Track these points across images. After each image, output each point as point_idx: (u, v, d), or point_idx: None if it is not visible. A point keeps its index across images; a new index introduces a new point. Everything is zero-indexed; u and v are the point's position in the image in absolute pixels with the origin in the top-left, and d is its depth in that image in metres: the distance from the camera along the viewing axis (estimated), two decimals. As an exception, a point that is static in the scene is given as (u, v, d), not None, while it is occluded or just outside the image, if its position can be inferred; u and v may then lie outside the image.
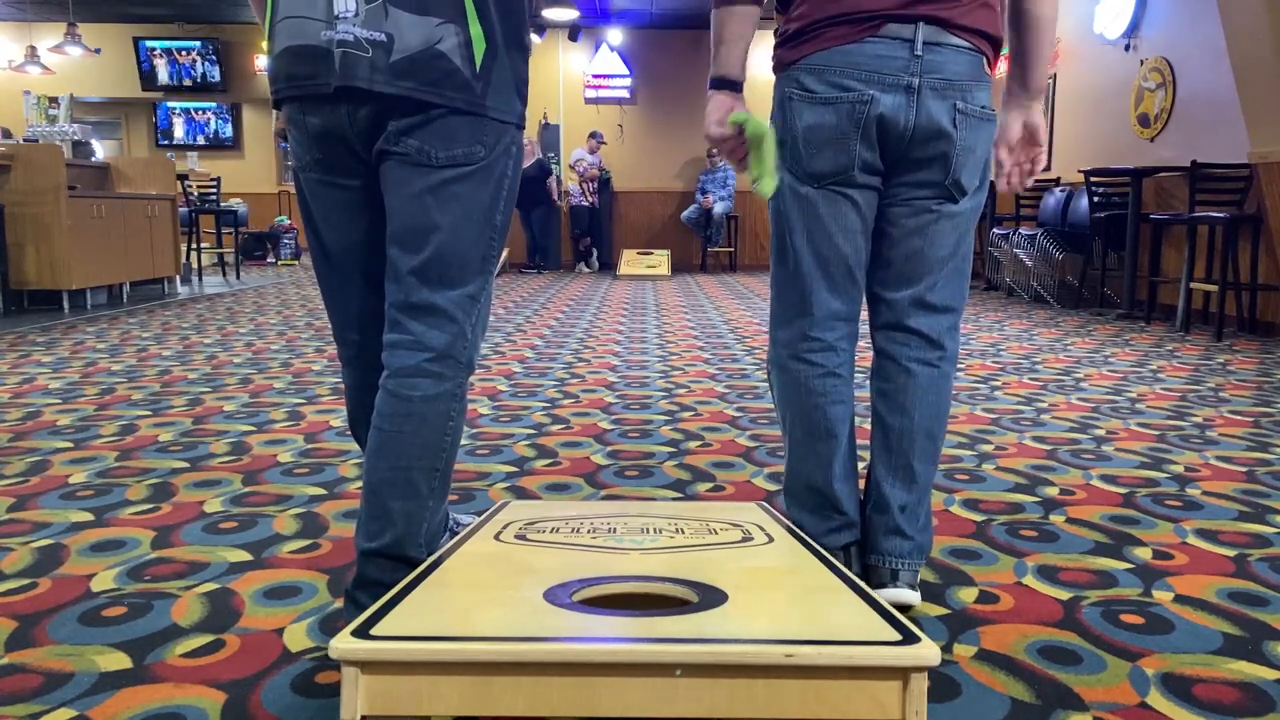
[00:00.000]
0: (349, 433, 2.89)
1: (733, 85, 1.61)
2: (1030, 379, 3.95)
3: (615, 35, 11.79)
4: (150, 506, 2.19)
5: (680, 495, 2.31)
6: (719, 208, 11.02)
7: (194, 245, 8.79)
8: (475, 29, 1.35)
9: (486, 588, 1.33)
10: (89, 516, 2.11)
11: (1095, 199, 6.54)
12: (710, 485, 2.40)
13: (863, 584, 1.33)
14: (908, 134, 1.51)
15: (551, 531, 1.57)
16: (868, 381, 1.71)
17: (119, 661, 1.43)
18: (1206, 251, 5.74)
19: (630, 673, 1.07)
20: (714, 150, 8.80)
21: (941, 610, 1.64)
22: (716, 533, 1.58)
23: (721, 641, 1.10)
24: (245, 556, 1.87)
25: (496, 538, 1.55)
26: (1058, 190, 7.45)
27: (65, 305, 6.24)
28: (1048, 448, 2.78)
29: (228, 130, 13.03)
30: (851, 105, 1.50)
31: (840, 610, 1.23)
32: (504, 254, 1.46)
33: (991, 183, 1.64)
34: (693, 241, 11.74)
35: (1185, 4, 6.25)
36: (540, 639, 1.11)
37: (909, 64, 1.48)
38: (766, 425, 3.06)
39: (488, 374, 4.00)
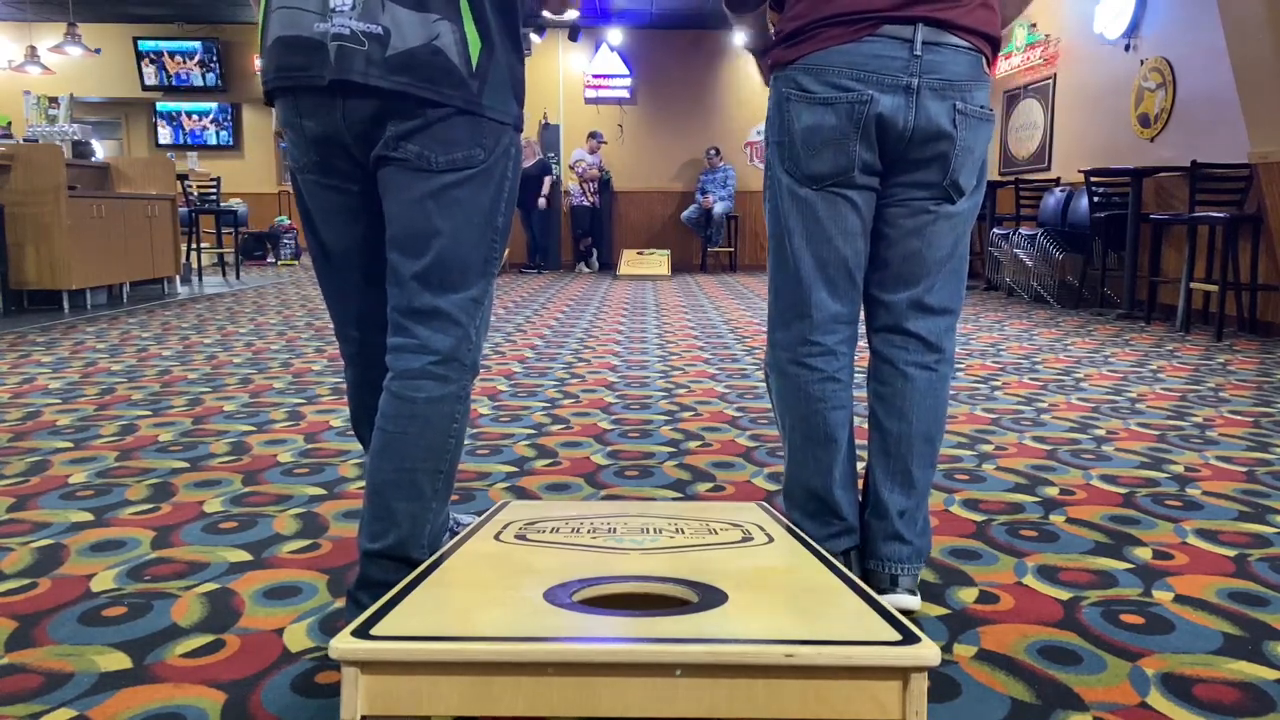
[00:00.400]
0: (349, 432, 2.91)
1: (764, 52, 1.72)
2: (1030, 379, 3.95)
3: (615, 35, 11.78)
4: (150, 506, 2.19)
5: (680, 495, 2.31)
6: (719, 208, 11.02)
7: (194, 245, 8.79)
8: (470, 28, 1.34)
9: (486, 588, 1.33)
10: (89, 516, 2.11)
11: (1095, 199, 6.54)
12: (710, 485, 2.40)
13: (862, 584, 1.33)
14: (907, 134, 1.50)
15: (551, 531, 1.57)
16: (865, 381, 1.70)
17: (119, 661, 1.43)
18: (1206, 251, 5.74)
19: (630, 673, 1.07)
20: (714, 150, 8.83)
21: (941, 610, 1.64)
22: (716, 533, 1.58)
23: (721, 641, 1.10)
24: (245, 556, 1.87)
25: (496, 538, 1.55)
26: (1058, 190, 7.44)
27: (65, 305, 6.24)
28: (1048, 448, 2.78)
29: (227, 130, 13.03)
30: (850, 105, 1.49)
31: (840, 610, 1.23)
32: (504, 254, 1.48)
33: (990, 182, 1.64)
34: (693, 241, 11.74)
35: (1185, 4, 6.25)
36: (540, 639, 1.11)
37: (908, 64, 1.47)
38: (766, 425, 3.06)
39: (488, 374, 4.00)
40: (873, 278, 1.64)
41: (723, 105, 11.96)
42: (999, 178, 8.70)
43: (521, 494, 2.32)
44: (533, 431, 2.96)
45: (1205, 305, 5.89)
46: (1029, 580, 1.78)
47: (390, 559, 1.41)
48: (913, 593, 1.61)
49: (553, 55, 11.79)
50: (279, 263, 11.36)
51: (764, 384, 1.78)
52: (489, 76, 1.37)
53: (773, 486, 2.38)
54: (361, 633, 1.10)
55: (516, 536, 1.55)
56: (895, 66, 1.47)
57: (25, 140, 7.48)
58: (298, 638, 1.52)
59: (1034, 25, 8.49)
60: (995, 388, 3.74)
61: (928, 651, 1.06)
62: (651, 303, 7.33)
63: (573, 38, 11.62)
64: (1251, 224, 5.34)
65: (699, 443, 2.84)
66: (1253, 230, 5.36)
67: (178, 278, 7.83)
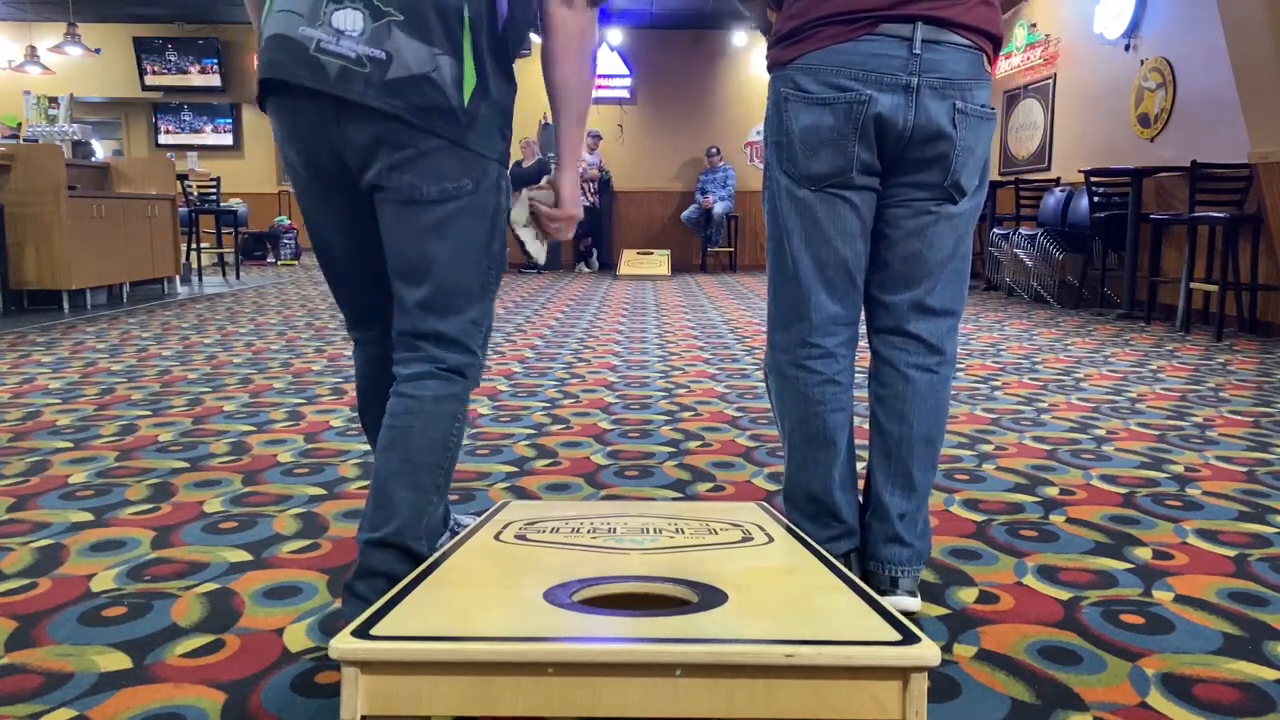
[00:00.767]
0: (349, 432, 2.91)
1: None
2: (1030, 379, 3.95)
3: (615, 35, 11.79)
4: (150, 506, 2.19)
5: (680, 495, 2.31)
6: (719, 208, 11.03)
7: (194, 245, 8.79)
8: (469, 66, 1.38)
9: (486, 588, 1.33)
10: (89, 516, 2.11)
11: (1095, 199, 6.54)
12: (710, 485, 2.40)
13: (862, 584, 1.33)
14: (906, 134, 1.49)
15: (551, 531, 1.57)
16: (866, 380, 1.70)
17: (119, 661, 1.43)
18: (1206, 251, 5.74)
19: (630, 673, 1.07)
20: (714, 150, 8.82)
21: (941, 610, 1.64)
22: (716, 533, 1.58)
23: (721, 641, 1.10)
24: (245, 556, 1.87)
25: (496, 538, 1.55)
26: (1058, 190, 7.45)
27: (65, 305, 6.24)
28: (1048, 448, 2.78)
29: (227, 130, 13.03)
30: (849, 105, 1.48)
31: (840, 610, 1.23)
32: (500, 279, 1.55)
33: (990, 182, 1.64)
34: (693, 241, 11.74)
35: (1185, 4, 6.25)
36: (540, 639, 1.11)
37: (907, 63, 1.46)
38: (766, 425, 3.06)
39: (488, 374, 4.00)
40: (873, 279, 1.63)
41: (723, 105, 11.96)
42: (999, 178, 8.71)
43: (521, 494, 2.32)
44: (533, 431, 2.96)
45: (1205, 305, 5.90)
46: (1029, 580, 1.78)
47: (390, 547, 1.43)
48: (913, 594, 1.61)
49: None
50: (279, 263, 11.36)
51: (764, 384, 1.78)
52: (479, 114, 1.41)
53: (773, 486, 2.38)
54: (361, 633, 1.10)
55: (516, 536, 1.55)
56: (894, 65, 1.46)
57: (25, 140, 7.48)
58: (298, 638, 1.52)
59: (1034, 25, 8.49)
60: (995, 388, 3.74)
61: (928, 651, 1.06)
62: (651, 303, 7.33)
63: (573, 38, 11.61)
64: (1251, 224, 5.34)
65: (699, 443, 2.84)
66: (1253, 230, 5.36)
67: (178, 278, 7.83)
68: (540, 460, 2.63)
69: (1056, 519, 2.14)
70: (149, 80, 12.67)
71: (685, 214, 11.33)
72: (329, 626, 1.55)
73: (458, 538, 1.56)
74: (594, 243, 11.33)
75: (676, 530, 1.58)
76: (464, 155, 1.40)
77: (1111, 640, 1.53)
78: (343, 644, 1.07)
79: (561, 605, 1.22)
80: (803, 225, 1.58)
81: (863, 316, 1.68)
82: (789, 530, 1.61)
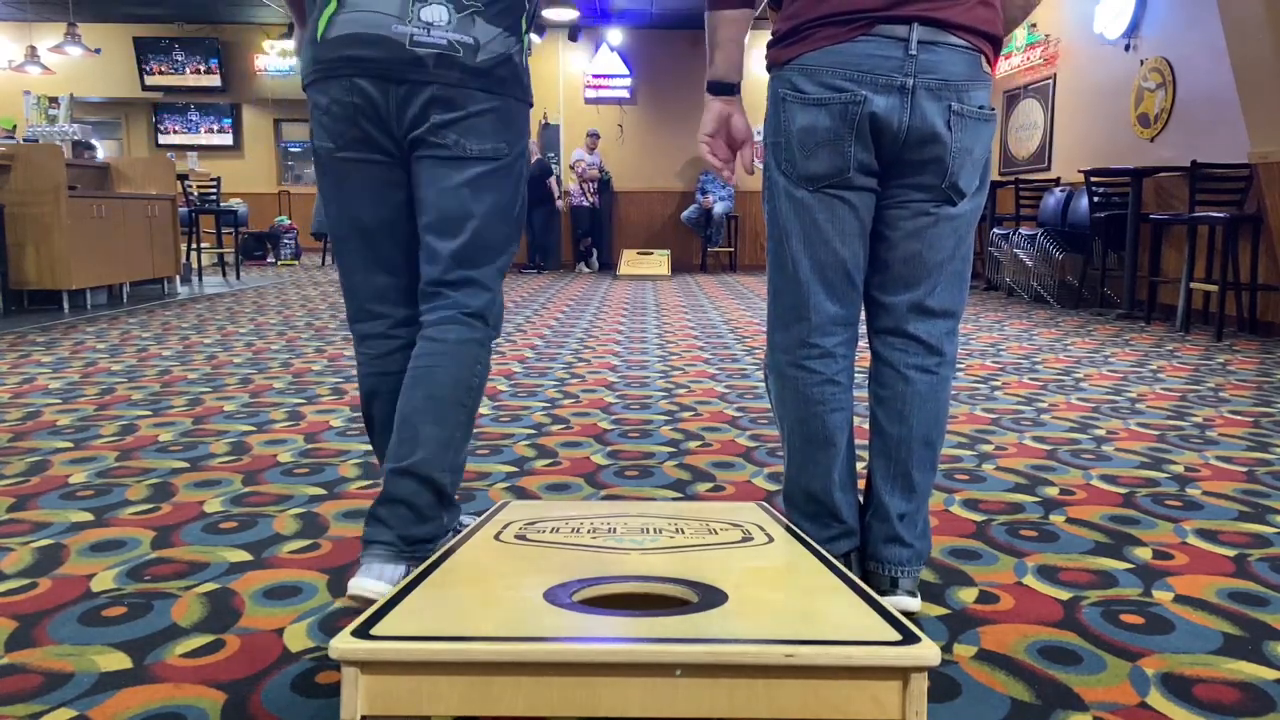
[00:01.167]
0: (349, 432, 2.91)
1: (729, 89, 1.63)
2: (1030, 379, 3.95)
3: (615, 35, 11.79)
4: (150, 506, 2.19)
5: (680, 495, 2.31)
6: (719, 208, 11.03)
7: (194, 245, 8.79)
8: (525, 39, 1.64)
9: (486, 588, 1.33)
10: (89, 516, 2.11)
11: (1095, 199, 6.54)
12: (710, 485, 2.40)
13: (862, 584, 1.33)
14: (902, 135, 1.49)
15: (551, 531, 1.57)
16: (866, 381, 1.70)
17: (119, 661, 1.43)
18: (1206, 251, 5.74)
19: (630, 673, 1.07)
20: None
21: (941, 610, 1.64)
22: (716, 533, 1.58)
23: (721, 641, 1.10)
24: (245, 556, 1.87)
25: (496, 538, 1.55)
26: (1058, 190, 7.45)
27: (65, 305, 6.24)
28: (1048, 448, 2.78)
29: (227, 130, 13.04)
30: (844, 106, 1.47)
31: (840, 610, 1.23)
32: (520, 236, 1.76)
33: (991, 182, 1.63)
34: (693, 241, 11.75)
35: (1185, 4, 6.25)
36: (540, 639, 1.11)
37: (903, 64, 1.46)
38: (766, 425, 3.06)
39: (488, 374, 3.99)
40: (873, 279, 1.63)
41: (723, 105, 11.94)
42: (999, 178, 8.71)
43: (521, 494, 2.32)
44: (533, 431, 2.96)
45: (1205, 305, 5.90)
46: (1029, 580, 1.78)
47: (414, 476, 1.51)
48: (913, 595, 1.61)
49: (553, 55, 11.79)
50: (279, 263, 11.36)
51: (764, 384, 1.77)
52: (528, 70, 1.67)
53: (773, 486, 2.38)
54: (361, 633, 1.10)
55: (516, 536, 1.55)
56: (889, 66, 1.46)
57: (25, 140, 7.48)
58: (298, 638, 1.52)
59: (1034, 25, 8.49)
60: (995, 388, 3.74)
61: (928, 651, 1.06)
62: (651, 303, 7.33)
63: (573, 38, 11.63)
64: (1251, 224, 5.34)
65: (699, 443, 2.84)
66: (1253, 230, 5.37)
67: (178, 278, 7.83)
68: (540, 460, 2.63)
69: (1056, 519, 2.14)
70: (149, 80, 12.67)
71: (685, 214, 11.33)
72: (329, 626, 1.55)
73: (458, 538, 1.56)
74: (594, 243, 11.34)
75: (676, 530, 1.58)
76: (508, 118, 1.60)
77: (1111, 640, 1.53)
78: (343, 644, 1.07)
79: (561, 605, 1.22)
80: (801, 226, 1.57)
81: (863, 317, 1.68)
82: (789, 530, 1.61)
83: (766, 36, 1.61)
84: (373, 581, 1.47)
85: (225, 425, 3.02)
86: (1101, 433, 2.98)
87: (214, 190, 9.20)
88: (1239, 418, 3.22)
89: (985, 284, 8.30)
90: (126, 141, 13.35)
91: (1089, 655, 1.47)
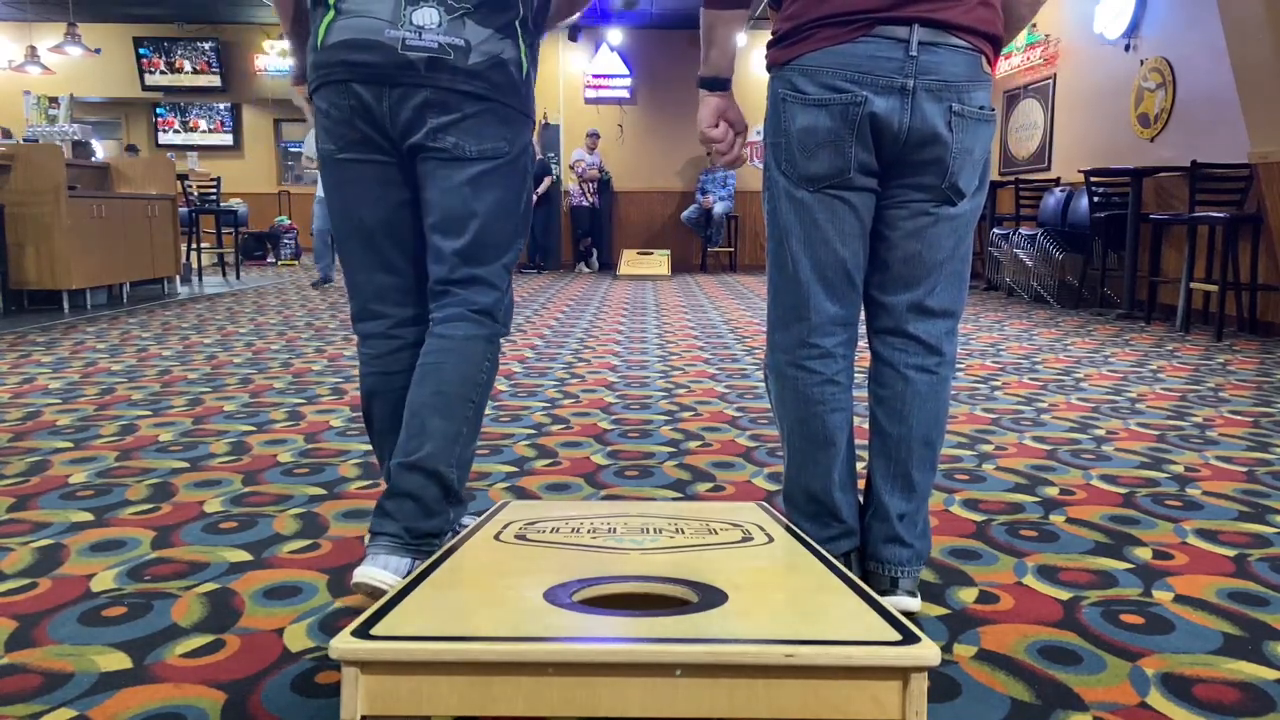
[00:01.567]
0: (349, 432, 2.91)
1: (723, 85, 1.67)
2: (1030, 379, 3.95)
3: (615, 35, 11.79)
4: (150, 506, 2.19)
5: (680, 495, 2.31)
6: (719, 208, 11.02)
7: (194, 245, 8.79)
8: (522, 46, 1.63)
9: (486, 588, 1.33)
10: (89, 516, 2.11)
11: (1095, 199, 6.54)
12: (710, 485, 2.40)
13: (862, 584, 1.33)
14: (902, 136, 1.48)
15: (551, 531, 1.57)
16: (866, 381, 1.70)
17: (119, 661, 1.43)
18: (1206, 251, 5.74)
19: (630, 673, 1.07)
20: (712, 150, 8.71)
21: (941, 610, 1.64)
22: (716, 533, 1.58)
23: (721, 641, 1.10)
24: (245, 556, 1.87)
25: (496, 538, 1.55)
26: (1058, 190, 7.45)
27: (65, 305, 6.24)
28: (1048, 448, 2.78)
29: (227, 130, 13.04)
30: (844, 107, 1.47)
31: (840, 610, 1.23)
32: (526, 233, 1.79)
33: (990, 182, 1.63)
34: (693, 241, 11.75)
35: (1185, 4, 6.25)
36: (540, 639, 1.11)
37: (903, 65, 1.46)
38: (766, 425, 3.06)
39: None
40: (873, 279, 1.63)
41: (723, 105, 11.94)
42: (999, 178, 8.71)
43: (521, 494, 2.32)
44: (533, 431, 2.96)
45: (1205, 305, 5.89)
46: (1029, 580, 1.78)
47: (421, 471, 1.54)
48: (913, 595, 1.61)
49: (553, 55, 11.79)
50: (279, 263, 11.36)
51: (764, 384, 1.77)
52: (530, 85, 1.67)
53: (773, 486, 2.38)
54: (361, 633, 1.10)
55: (516, 536, 1.55)
56: (890, 68, 1.46)
57: (25, 140, 7.48)
58: (298, 638, 1.52)
59: (1034, 25, 8.49)
60: (995, 388, 3.74)
61: (928, 651, 1.06)
62: (651, 303, 7.33)
63: (573, 38, 11.63)
64: (1251, 224, 5.34)
65: (699, 443, 2.84)
66: (1253, 230, 5.37)
67: (178, 278, 7.83)
68: (540, 460, 2.63)
69: (1056, 519, 2.14)
70: (149, 80, 12.67)
71: (685, 214, 11.33)
72: (329, 626, 1.55)
73: (458, 538, 1.56)
74: (594, 243, 11.33)
75: (676, 530, 1.58)
76: (506, 118, 1.61)
77: (1111, 640, 1.53)
78: (343, 644, 1.07)
79: (561, 605, 1.22)
80: (801, 226, 1.57)
81: (863, 317, 1.68)
82: (789, 530, 1.61)
83: (766, 36, 1.61)
84: (379, 570, 1.50)
85: (225, 425, 3.02)
86: (1101, 433, 2.98)
87: (214, 190, 9.20)
88: (1239, 418, 3.22)
89: (985, 284, 8.30)
90: (126, 141, 13.35)
91: (1089, 655, 1.47)
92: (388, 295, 1.70)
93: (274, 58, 12.83)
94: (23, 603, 1.64)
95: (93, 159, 7.93)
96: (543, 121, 11.84)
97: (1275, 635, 1.55)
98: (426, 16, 1.53)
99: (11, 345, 4.74)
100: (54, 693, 1.33)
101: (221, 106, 12.96)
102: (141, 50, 12.47)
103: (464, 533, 1.59)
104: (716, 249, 11.44)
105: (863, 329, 1.69)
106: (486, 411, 3.22)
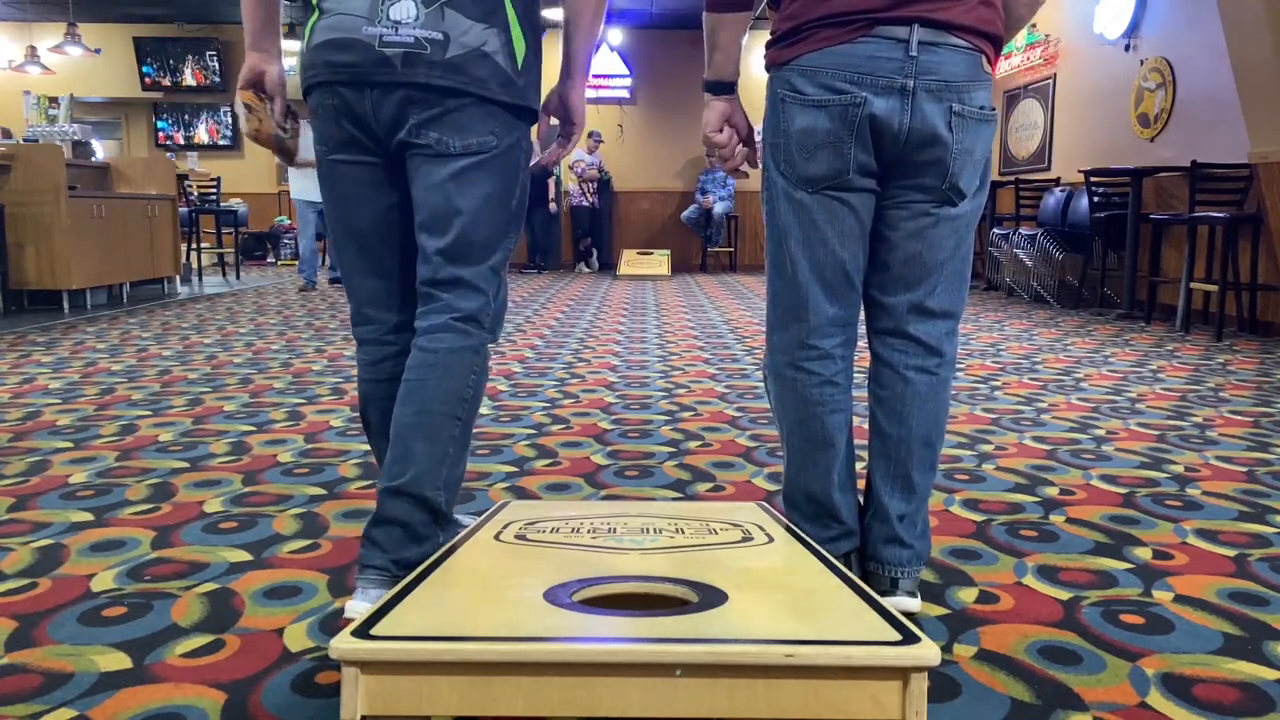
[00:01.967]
0: (349, 432, 2.91)
1: (729, 88, 1.65)
2: (1030, 379, 3.95)
3: (615, 35, 11.79)
4: (150, 506, 2.19)
5: (680, 495, 2.31)
6: (719, 208, 11.02)
7: (194, 245, 8.79)
8: (517, 32, 1.56)
9: (486, 588, 1.33)
10: (89, 516, 2.11)
11: (1095, 199, 6.54)
12: (710, 485, 2.40)
13: (862, 584, 1.33)
14: (902, 137, 1.48)
15: (551, 531, 1.57)
16: (865, 382, 1.70)
17: (119, 661, 1.43)
18: (1206, 251, 5.74)
19: (630, 673, 1.07)
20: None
21: (941, 610, 1.64)
22: (716, 533, 1.58)
23: (721, 641, 1.10)
24: (245, 556, 1.87)
25: (496, 538, 1.55)
26: (1058, 190, 7.45)
27: (65, 305, 6.24)
28: (1048, 448, 2.78)
29: (227, 130, 13.03)
30: (844, 108, 1.47)
31: (840, 610, 1.23)
32: (519, 235, 1.71)
33: (991, 182, 1.63)
34: (693, 241, 11.75)
35: (1185, 4, 6.25)
36: (540, 639, 1.11)
37: (903, 65, 1.45)
38: (766, 425, 3.06)
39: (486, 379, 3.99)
40: (873, 280, 1.63)
41: (723, 105, 11.94)
42: (999, 178, 8.71)
43: (521, 494, 2.32)
44: (533, 431, 2.96)
45: (1205, 305, 5.89)
46: (1029, 580, 1.78)
47: (407, 496, 1.49)
48: (913, 595, 1.61)
49: (553, 55, 11.75)
50: (279, 263, 11.36)
51: (763, 385, 1.77)
52: (531, 74, 1.60)
53: (773, 486, 2.38)
54: (361, 633, 1.10)
55: (516, 536, 1.55)
56: (889, 68, 1.45)
57: (25, 140, 7.48)
58: (298, 638, 1.52)
59: (1034, 25, 8.49)
60: (995, 388, 3.74)
61: (928, 651, 1.06)
62: (651, 303, 7.33)
63: (573, 38, 11.61)
64: (1251, 224, 5.34)
65: (699, 443, 2.84)
66: (1253, 230, 5.36)
67: (178, 278, 7.83)
68: (540, 460, 2.63)
69: (1056, 519, 2.14)
70: (149, 80, 12.67)
71: (685, 214, 11.33)
72: (329, 626, 1.55)
73: (458, 538, 1.56)
74: (594, 243, 11.33)
75: (676, 530, 1.58)
76: (490, 111, 1.54)
77: (1111, 640, 1.53)
78: (343, 644, 1.07)
79: (561, 605, 1.22)
80: (800, 227, 1.57)
81: (862, 318, 1.67)
82: (789, 530, 1.61)
83: (766, 36, 1.61)
84: (368, 606, 1.44)
85: (225, 425, 3.02)
86: (1101, 433, 2.98)
87: (214, 190, 9.20)
88: (1239, 418, 3.22)
89: (985, 284, 8.30)
90: (126, 141, 13.34)
91: (1089, 655, 1.47)
92: (379, 299, 1.68)
93: (274, 58, 12.80)
94: (23, 603, 1.64)
95: (93, 159, 7.93)
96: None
97: (1275, 635, 1.55)
98: (403, 10, 1.49)
99: (11, 345, 4.74)
100: (54, 693, 1.33)
101: (222, 109, 12.96)
102: (145, 69, 12.47)
103: (464, 533, 1.59)
104: (716, 249, 11.44)
105: (862, 329, 1.69)
106: (486, 411, 3.23)
